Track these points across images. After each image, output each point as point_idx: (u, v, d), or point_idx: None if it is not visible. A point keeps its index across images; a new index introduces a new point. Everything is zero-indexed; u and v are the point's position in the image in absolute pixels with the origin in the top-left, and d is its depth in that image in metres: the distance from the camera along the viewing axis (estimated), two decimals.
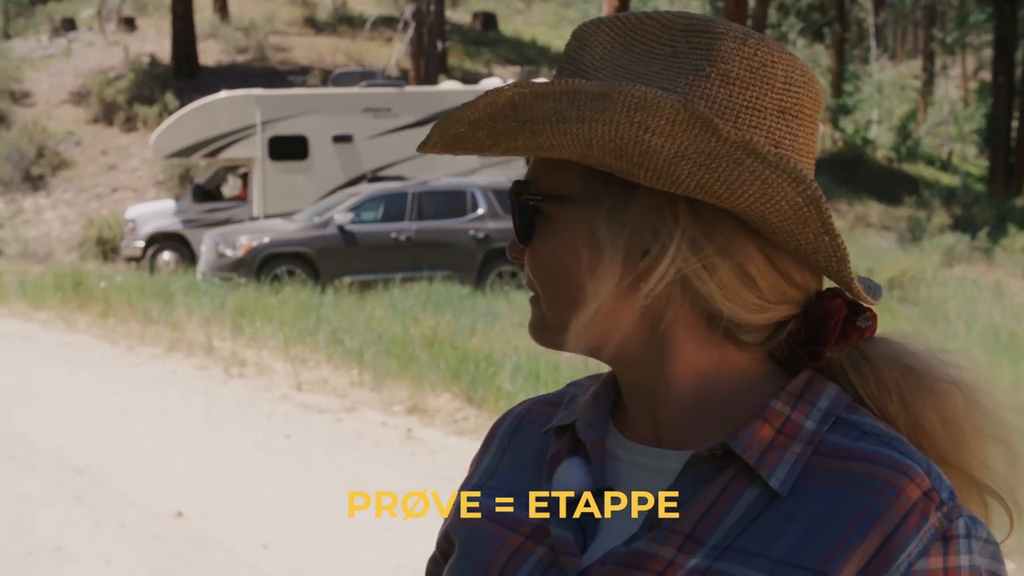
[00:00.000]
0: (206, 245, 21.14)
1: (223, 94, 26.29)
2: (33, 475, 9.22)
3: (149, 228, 25.31)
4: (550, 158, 1.33)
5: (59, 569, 7.23)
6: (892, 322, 17.02)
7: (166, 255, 25.09)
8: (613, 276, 1.32)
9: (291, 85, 33.60)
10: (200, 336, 15.09)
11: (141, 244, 25.21)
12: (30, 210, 30.99)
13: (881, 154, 43.25)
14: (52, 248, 29.02)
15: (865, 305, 1.36)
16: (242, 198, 25.88)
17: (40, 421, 11.00)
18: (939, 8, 64.49)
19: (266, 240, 20.61)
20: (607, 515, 1.37)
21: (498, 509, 1.45)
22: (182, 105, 30.03)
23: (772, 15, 49.89)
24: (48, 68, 37.80)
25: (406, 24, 34.30)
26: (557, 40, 47.96)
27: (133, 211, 26.30)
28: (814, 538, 1.25)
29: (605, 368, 1.45)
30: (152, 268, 24.47)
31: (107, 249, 27.86)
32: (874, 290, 1.39)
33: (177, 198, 26.66)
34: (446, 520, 1.55)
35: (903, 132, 45.62)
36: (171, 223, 25.36)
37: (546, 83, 1.25)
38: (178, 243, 25.21)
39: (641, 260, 1.31)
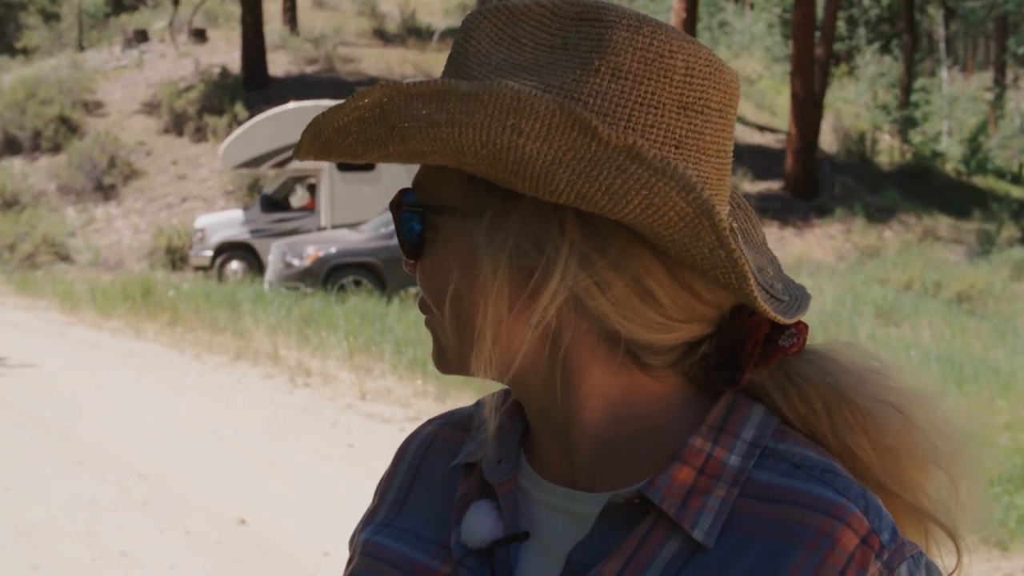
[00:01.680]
0: (273, 255, 21.29)
1: (292, 105, 26.48)
2: (100, 480, 9.33)
3: (218, 238, 25.51)
4: (433, 164, 1.20)
5: (124, 574, 7.32)
6: (960, 336, 16.91)
7: (234, 264, 25.27)
8: (502, 296, 1.19)
9: None
10: (266, 345, 15.19)
11: (209, 253, 25.42)
12: (101, 219, 31.34)
13: (950, 167, 42.88)
14: (122, 256, 29.33)
15: (788, 322, 1.21)
16: (310, 208, 26.03)
17: (108, 428, 11.13)
18: (1012, 20, 63.91)
19: (333, 250, 20.74)
20: (524, 564, 1.23)
21: (405, 554, 1.32)
22: (251, 116, 30.27)
23: (841, 27, 49.63)
24: (120, 79, 38.21)
25: None
26: None
27: (202, 221, 26.52)
28: None
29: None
30: (220, 277, 24.66)
31: (176, 258, 28.12)
32: (798, 302, 1.25)
33: (245, 208, 26.85)
34: (351, 560, 1.42)
35: (973, 144, 45.22)
36: (239, 233, 25.55)
37: (415, 84, 1.14)
38: (246, 253, 25.39)
39: (530, 278, 1.17)
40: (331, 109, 1.16)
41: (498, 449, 1.31)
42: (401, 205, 1.25)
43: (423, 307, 1.27)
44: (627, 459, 1.23)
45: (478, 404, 1.43)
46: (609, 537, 1.19)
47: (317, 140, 1.19)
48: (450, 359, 1.24)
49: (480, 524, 1.25)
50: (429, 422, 1.47)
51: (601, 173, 1.09)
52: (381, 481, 1.45)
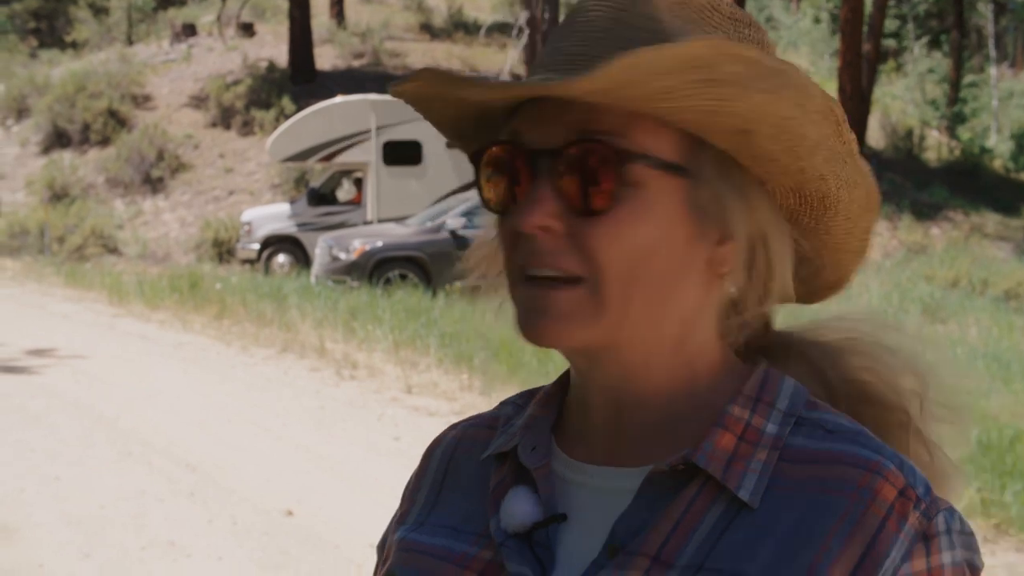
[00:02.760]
0: (320, 248, 21.32)
1: (339, 99, 26.53)
2: (149, 471, 9.40)
3: (264, 231, 25.57)
4: (650, 116, 1.20)
5: (172, 563, 7.38)
6: (1008, 334, 16.79)
7: (280, 258, 25.33)
8: (695, 259, 1.23)
9: None
10: (313, 338, 15.25)
11: (256, 246, 25.48)
12: (149, 212, 31.53)
13: (999, 163, 42.52)
14: (170, 249, 29.49)
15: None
16: (356, 202, 26.08)
17: (156, 419, 11.20)
18: None
19: (379, 244, 20.76)
20: (564, 544, 1.25)
21: (444, 546, 1.33)
22: (298, 110, 30.34)
23: (889, 22, 49.28)
24: (168, 73, 38.40)
25: (520, 30, 34.40)
26: None
27: (249, 214, 26.60)
28: (792, 550, 1.16)
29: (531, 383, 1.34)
30: (267, 270, 24.74)
31: (223, 251, 28.25)
32: None
33: (292, 201, 26.91)
34: (384, 560, 1.43)
35: (1021, 141, 44.80)
36: (286, 226, 25.60)
37: (732, 45, 1.16)
38: (292, 246, 25.45)
39: (720, 246, 1.24)
40: (649, 51, 1.12)
41: (532, 436, 1.33)
42: (611, 152, 1.20)
43: (557, 263, 1.20)
44: (674, 430, 1.26)
45: (502, 404, 1.46)
46: (653, 505, 1.21)
47: (630, 78, 1.14)
48: (596, 324, 1.21)
49: (519, 508, 1.27)
50: (453, 427, 1.50)
51: (843, 167, 1.27)
52: (408, 486, 1.48)
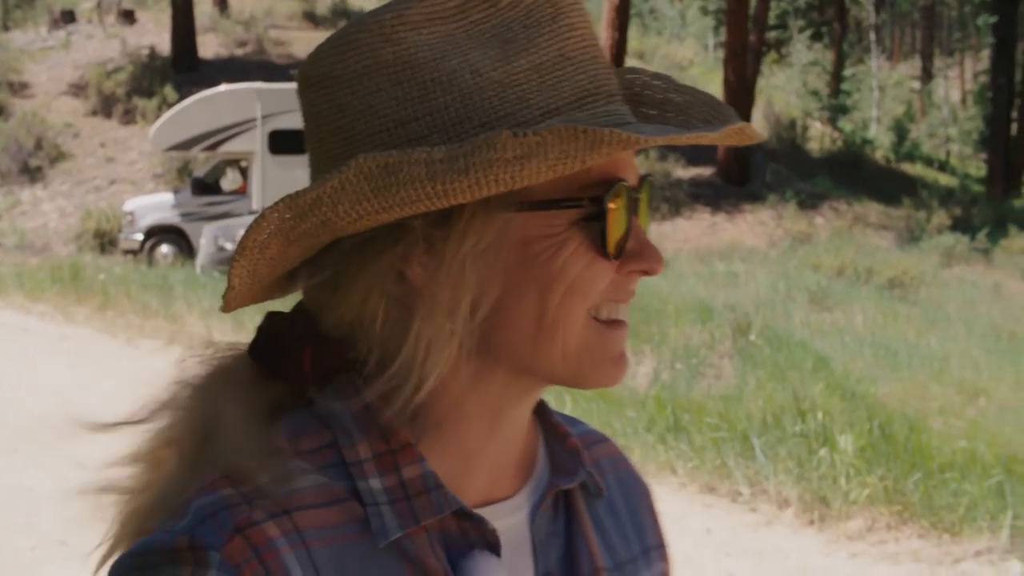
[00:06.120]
0: (206, 238, 21.15)
1: (224, 87, 26.25)
2: (36, 469, 9.18)
3: (147, 221, 25.28)
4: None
5: (64, 563, 7.19)
6: (892, 323, 17.04)
7: (164, 248, 25.07)
8: None
9: (290, 79, 33.48)
10: (200, 329, 15.05)
11: (139, 237, 25.19)
12: (28, 202, 30.97)
13: (880, 154, 43.25)
14: (49, 240, 28.98)
15: None
16: (242, 192, 25.84)
17: (41, 414, 10.95)
18: (938, 9, 64.56)
19: None
20: None
21: None
22: (181, 98, 29.99)
23: (773, 14, 49.91)
24: (47, 60, 37.78)
25: None
26: None
27: (131, 204, 26.29)
28: (641, 516, 1.33)
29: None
30: (150, 261, 24.45)
31: (105, 242, 27.83)
32: None
33: (176, 191, 26.63)
34: None
35: (901, 132, 45.61)
36: (169, 216, 25.34)
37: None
38: (176, 236, 25.19)
39: None
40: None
41: (446, 497, 1.10)
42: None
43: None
44: (527, 449, 1.23)
45: (321, 469, 1.11)
46: (553, 527, 1.20)
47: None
48: None
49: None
50: (255, 520, 1.06)
51: None
52: None
